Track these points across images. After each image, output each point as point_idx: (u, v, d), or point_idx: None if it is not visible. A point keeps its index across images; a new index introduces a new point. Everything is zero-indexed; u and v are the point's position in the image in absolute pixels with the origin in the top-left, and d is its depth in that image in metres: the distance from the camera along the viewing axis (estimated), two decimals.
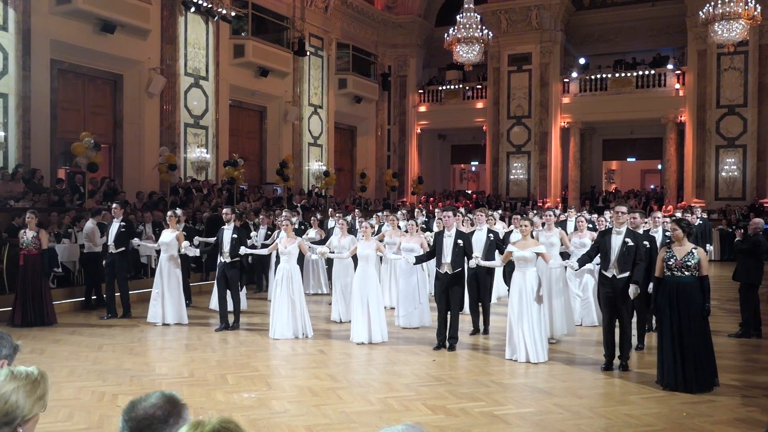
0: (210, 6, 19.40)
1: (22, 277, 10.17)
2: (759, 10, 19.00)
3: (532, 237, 8.52)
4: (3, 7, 14.50)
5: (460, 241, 8.45)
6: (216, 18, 19.87)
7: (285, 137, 23.90)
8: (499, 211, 16.82)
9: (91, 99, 17.96)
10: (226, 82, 20.85)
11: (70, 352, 8.51)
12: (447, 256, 8.44)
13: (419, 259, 9.01)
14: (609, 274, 7.40)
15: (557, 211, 12.91)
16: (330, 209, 16.74)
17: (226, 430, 1.57)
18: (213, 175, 20.00)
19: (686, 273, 6.60)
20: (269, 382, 7.16)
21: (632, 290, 7.28)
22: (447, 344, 8.53)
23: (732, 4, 18.72)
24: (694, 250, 6.65)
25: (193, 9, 19.04)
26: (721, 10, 18.86)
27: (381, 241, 11.13)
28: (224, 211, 10.37)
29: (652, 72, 25.21)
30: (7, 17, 14.59)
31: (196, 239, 11.68)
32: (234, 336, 9.59)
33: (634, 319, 8.23)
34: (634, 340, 8.29)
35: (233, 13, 20.59)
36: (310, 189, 24.10)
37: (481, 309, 9.70)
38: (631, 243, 7.32)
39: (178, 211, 11.14)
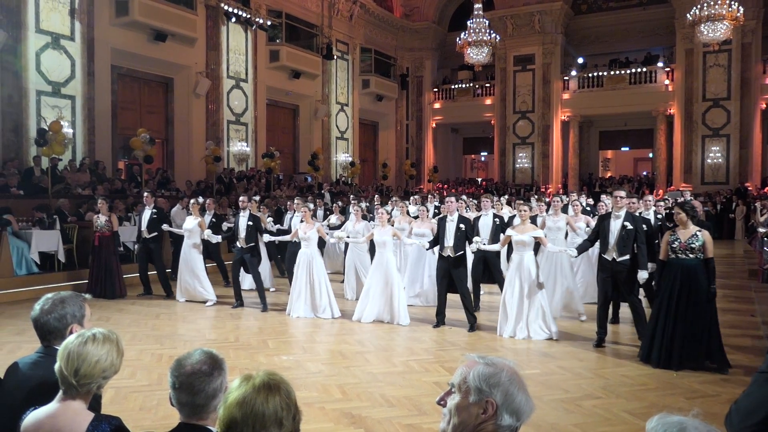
0: (249, 16, 19.39)
1: (97, 255, 10.19)
2: (742, 12, 18.56)
3: (532, 222, 7.94)
4: (70, 20, 14.57)
5: (462, 226, 7.93)
6: (254, 27, 19.85)
7: (315, 132, 23.85)
8: (506, 197, 16.25)
9: (146, 99, 18.06)
10: (263, 83, 20.83)
11: (131, 319, 8.60)
12: (449, 239, 7.91)
13: (431, 244, 8.37)
14: (608, 257, 6.85)
15: (564, 198, 12.11)
16: (352, 196, 16.40)
17: (273, 381, 1.63)
18: (252, 166, 20.05)
19: (691, 255, 5.96)
20: (305, 346, 7.16)
21: (641, 276, 6.72)
22: (469, 325, 7.85)
23: (717, 6, 18.27)
24: (698, 233, 6.00)
25: (234, 19, 19.07)
26: (706, 12, 18.41)
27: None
28: (240, 198, 9.67)
29: (644, 69, 24.72)
30: (73, 29, 14.67)
31: (224, 225, 10.92)
32: (273, 309, 9.44)
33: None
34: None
35: (269, 23, 20.52)
36: (337, 178, 24.08)
37: (475, 288, 9.05)
38: (630, 226, 6.73)
39: (201, 199, 10.45)
